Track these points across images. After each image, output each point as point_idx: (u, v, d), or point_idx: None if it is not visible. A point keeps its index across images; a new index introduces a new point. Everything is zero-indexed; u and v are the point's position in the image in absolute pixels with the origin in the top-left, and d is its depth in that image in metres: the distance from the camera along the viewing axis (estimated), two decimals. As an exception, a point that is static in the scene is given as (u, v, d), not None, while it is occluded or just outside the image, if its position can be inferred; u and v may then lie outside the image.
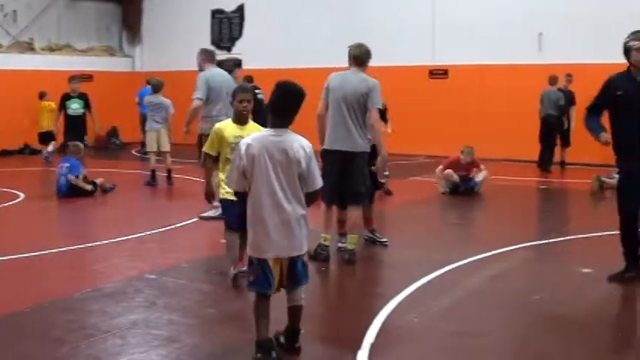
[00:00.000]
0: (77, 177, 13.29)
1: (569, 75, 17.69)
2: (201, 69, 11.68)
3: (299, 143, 5.35)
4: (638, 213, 7.58)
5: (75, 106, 15.62)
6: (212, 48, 12.27)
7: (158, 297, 7.16)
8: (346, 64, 8.86)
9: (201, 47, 12.55)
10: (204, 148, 7.54)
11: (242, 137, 6.25)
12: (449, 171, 13.69)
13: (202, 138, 11.19)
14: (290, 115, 5.40)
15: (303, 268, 5.48)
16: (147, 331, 6.12)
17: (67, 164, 13.41)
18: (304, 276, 5.51)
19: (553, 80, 17.37)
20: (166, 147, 15.04)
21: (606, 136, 7.33)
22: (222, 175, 7.32)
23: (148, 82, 21.77)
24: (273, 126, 5.38)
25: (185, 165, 16.79)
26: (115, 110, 22.54)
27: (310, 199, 5.48)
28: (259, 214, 5.32)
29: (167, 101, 15.13)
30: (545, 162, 17.40)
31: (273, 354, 5.36)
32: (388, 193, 13.13)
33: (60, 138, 17.13)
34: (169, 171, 14.96)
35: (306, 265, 5.55)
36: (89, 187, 13.31)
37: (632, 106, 7.33)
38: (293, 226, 5.33)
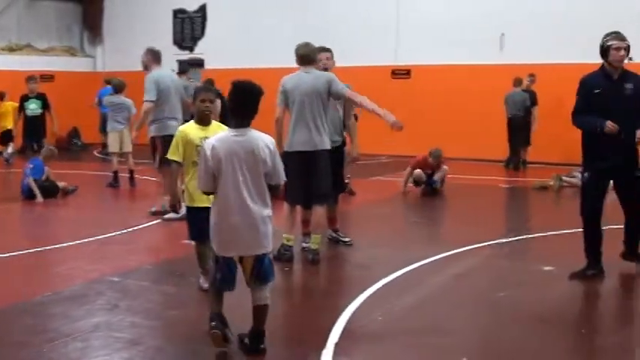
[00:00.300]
0: (36, 180, 13.13)
1: (531, 75, 17.84)
2: (146, 69, 11.47)
3: (263, 142, 5.44)
4: (602, 211, 7.68)
5: (33, 107, 15.43)
6: (158, 48, 11.93)
7: (120, 299, 7.09)
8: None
9: (147, 47, 12.33)
10: (169, 155, 7.00)
11: (207, 138, 6.21)
12: (418, 171, 13.74)
13: (155, 141, 11.11)
14: (249, 113, 5.44)
15: (269, 265, 5.56)
16: (109, 334, 6.06)
17: (32, 165, 13.28)
18: (270, 273, 5.58)
19: (517, 82, 17.50)
20: (129, 148, 14.92)
21: (611, 123, 7.33)
22: (187, 179, 6.98)
23: (108, 82, 21.61)
24: (235, 126, 5.41)
25: (147, 166, 16.68)
26: (76, 111, 22.34)
27: (274, 192, 5.59)
28: (225, 214, 5.38)
29: (129, 101, 15.05)
30: (515, 162, 17.53)
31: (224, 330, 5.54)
32: (351, 193, 13.13)
33: (19, 139, 16.98)
34: (132, 172, 14.86)
35: (272, 263, 5.65)
36: (39, 197, 13.01)
37: (607, 104, 7.43)
38: (258, 225, 5.41)
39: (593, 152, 7.57)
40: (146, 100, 11.04)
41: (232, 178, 5.33)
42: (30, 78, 15.78)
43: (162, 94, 11.11)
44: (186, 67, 18.09)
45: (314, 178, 8.49)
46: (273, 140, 5.53)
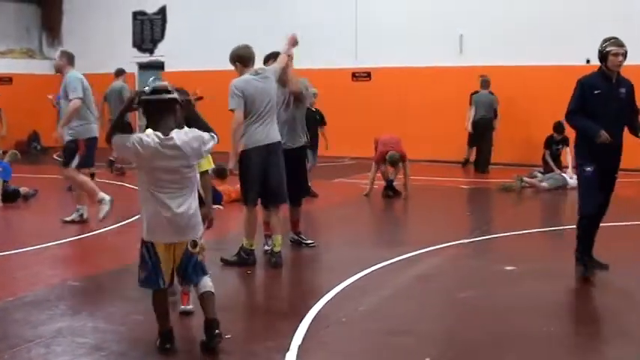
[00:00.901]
0: (5, 182, 13.03)
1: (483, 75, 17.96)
2: (59, 71, 11.29)
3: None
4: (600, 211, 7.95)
5: None
6: (71, 51, 11.71)
7: (82, 304, 7.05)
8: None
9: (61, 49, 12.05)
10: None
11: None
12: (384, 169, 13.72)
13: (78, 143, 10.87)
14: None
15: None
16: (72, 340, 6.01)
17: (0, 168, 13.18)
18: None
19: (486, 84, 17.58)
20: None
21: (605, 134, 7.52)
22: None
23: None
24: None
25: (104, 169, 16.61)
26: (35, 114, 22.12)
27: None
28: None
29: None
30: (483, 163, 17.64)
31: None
32: (313, 195, 13.13)
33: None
34: (92, 175, 14.74)
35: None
36: None
37: (606, 105, 7.66)
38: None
39: (592, 151, 7.72)
40: (76, 98, 10.76)
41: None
42: None
43: (85, 94, 10.96)
44: (121, 71, 18.01)
45: (272, 175, 8.49)
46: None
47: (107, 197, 10.83)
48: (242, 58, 8.64)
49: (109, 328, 6.35)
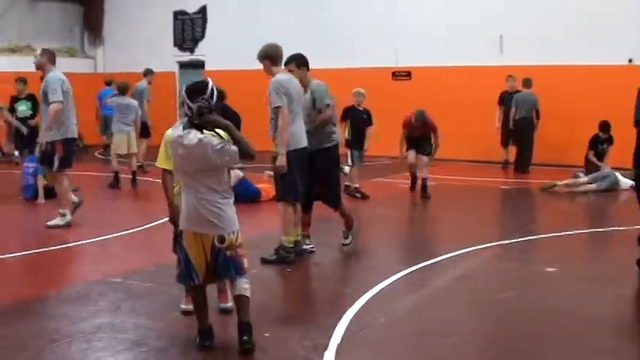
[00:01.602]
0: (44, 176, 13.16)
1: (510, 76, 17.78)
2: (39, 69, 11.07)
3: None
4: None
5: (22, 108, 15.27)
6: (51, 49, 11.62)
7: (123, 300, 7.08)
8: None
9: (42, 48, 11.86)
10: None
11: None
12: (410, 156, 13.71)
13: (55, 145, 10.70)
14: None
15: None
16: (112, 335, 6.05)
17: (33, 164, 13.25)
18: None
19: (527, 83, 17.42)
20: (134, 149, 14.97)
21: None
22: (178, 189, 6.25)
23: (108, 84, 21.63)
24: None
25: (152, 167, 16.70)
26: (77, 112, 22.26)
27: None
28: None
29: (135, 103, 15.09)
30: (523, 163, 17.48)
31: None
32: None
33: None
34: (134, 173, 14.88)
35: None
36: (41, 198, 13.04)
37: None
38: None
39: None
40: (56, 101, 10.59)
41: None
42: (18, 79, 15.59)
43: (66, 96, 10.80)
44: (148, 71, 18.08)
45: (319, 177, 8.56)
46: None
47: (68, 217, 10.77)
48: (271, 57, 8.59)
49: (150, 325, 6.39)
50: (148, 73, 17.98)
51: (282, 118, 8.22)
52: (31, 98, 15.07)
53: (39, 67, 10.95)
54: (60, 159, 10.73)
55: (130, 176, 14.91)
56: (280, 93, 8.27)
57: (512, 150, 17.93)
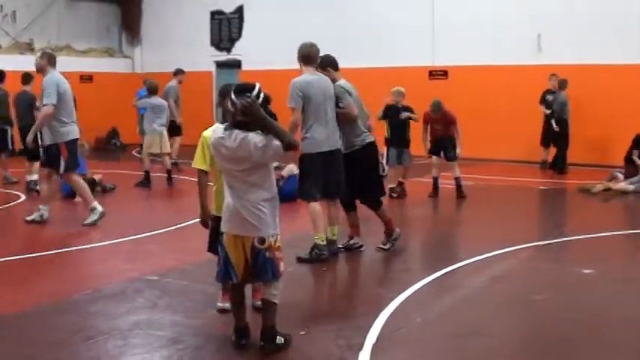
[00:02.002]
0: (84, 175, 13.31)
1: (554, 75, 17.60)
2: (40, 71, 10.90)
3: None
4: None
5: None
6: (53, 52, 11.62)
7: (160, 298, 7.13)
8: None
9: (42, 50, 11.91)
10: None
11: None
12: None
13: (60, 147, 10.66)
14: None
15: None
16: (149, 333, 6.10)
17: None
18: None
19: (563, 84, 17.26)
20: (167, 148, 15.07)
21: None
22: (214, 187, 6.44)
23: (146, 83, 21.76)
24: None
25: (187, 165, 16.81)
26: (115, 111, 22.52)
27: None
28: None
29: (165, 103, 15.20)
30: (560, 163, 17.33)
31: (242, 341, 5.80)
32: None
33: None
34: (169, 172, 14.98)
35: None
36: (79, 197, 13.13)
37: None
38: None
39: None
40: (47, 104, 10.47)
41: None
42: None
43: (62, 97, 10.65)
44: (178, 71, 18.17)
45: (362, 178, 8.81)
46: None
47: (99, 208, 10.89)
48: (301, 56, 8.62)
49: (186, 322, 6.43)
50: (179, 72, 18.06)
51: (291, 119, 8.30)
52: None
53: (39, 69, 10.88)
54: (65, 162, 10.73)
55: (165, 175, 15.00)
56: (295, 95, 8.34)
57: (553, 150, 17.75)
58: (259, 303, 6.43)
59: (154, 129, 15.08)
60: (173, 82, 17.76)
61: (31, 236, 10.43)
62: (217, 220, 6.08)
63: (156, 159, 15.41)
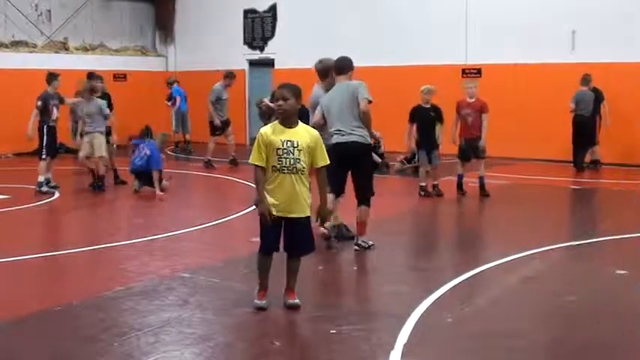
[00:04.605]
0: (160, 171, 13.50)
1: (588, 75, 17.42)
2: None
3: None
4: None
5: None
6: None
7: (191, 295, 7.16)
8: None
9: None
10: (251, 160, 6.49)
11: (291, 141, 6.40)
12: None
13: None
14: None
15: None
16: (180, 330, 6.13)
17: (149, 152, 13.74)
18: None
19: (585, 81, 17.10)
20: (101, 152, 14.25)
21: None
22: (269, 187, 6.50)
23: (170, 83, 21.99)
24: None
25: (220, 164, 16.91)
26: (148, 109, 22.65)
27: None
28: None
29: (99, 105, 14.38)
30: (577, 162, 17.21)
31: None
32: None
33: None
34: (102, 177, 14.17)
35: None
36: (159, 190, 13.46)
37: None
38: None
39: None
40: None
41: None
42: (93, 76, 15.50)
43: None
44: (227, 74, 18.27)
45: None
46: None
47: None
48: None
49: (217, 320, 6.45)
50: (228, 76, 18.08)
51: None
52: (106, 97, 15.17)
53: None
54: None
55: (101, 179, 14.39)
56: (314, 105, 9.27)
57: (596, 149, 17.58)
58: (294, 301, 6.62)
59: (86, 131, 14.14)
60: (218, 83, 17.85)
61: (64, 233, 10.53)
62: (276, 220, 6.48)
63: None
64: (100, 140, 14.03)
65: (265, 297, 6.62)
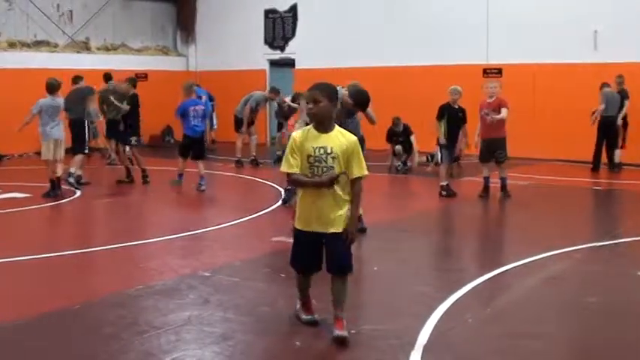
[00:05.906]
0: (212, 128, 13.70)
1: (620, 76, 17.29)
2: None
3: None
4: None
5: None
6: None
7: (212, 294, 7.18)
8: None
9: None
10: (282, 168, 5.81)
11: (324, 148, 5.72)
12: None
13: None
14: None
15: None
16: (200, 328, 6.14)
17: (203, 107, 14.23)
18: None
19: (616, 82, 16.99)
20: (61, 155, 13.56)
21: None
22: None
23: (188, 88, 22.05)
24: None
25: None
26: (169, 109, 22.64)
27: None
28: None
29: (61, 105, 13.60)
30: (612, 163, 17.09)
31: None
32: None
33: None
34: (58, 179, 13.43)
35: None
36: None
37: None
38: None
39: None
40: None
41: None
42: (131, 78, 15.73)
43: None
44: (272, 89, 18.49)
45: None
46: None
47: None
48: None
49: (237, 319, 6.46)
50: (272, 90, 18.29)
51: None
52: (134, 97, 15.22)
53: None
54: None
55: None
56: None
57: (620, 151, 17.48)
58: (342, 333, 5.81)
59: (48, 133, 13.23)
60: (261, 93, 18.11)
61: (85, 231, 10.58)
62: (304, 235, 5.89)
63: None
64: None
65: (310, 310, 6.26)
